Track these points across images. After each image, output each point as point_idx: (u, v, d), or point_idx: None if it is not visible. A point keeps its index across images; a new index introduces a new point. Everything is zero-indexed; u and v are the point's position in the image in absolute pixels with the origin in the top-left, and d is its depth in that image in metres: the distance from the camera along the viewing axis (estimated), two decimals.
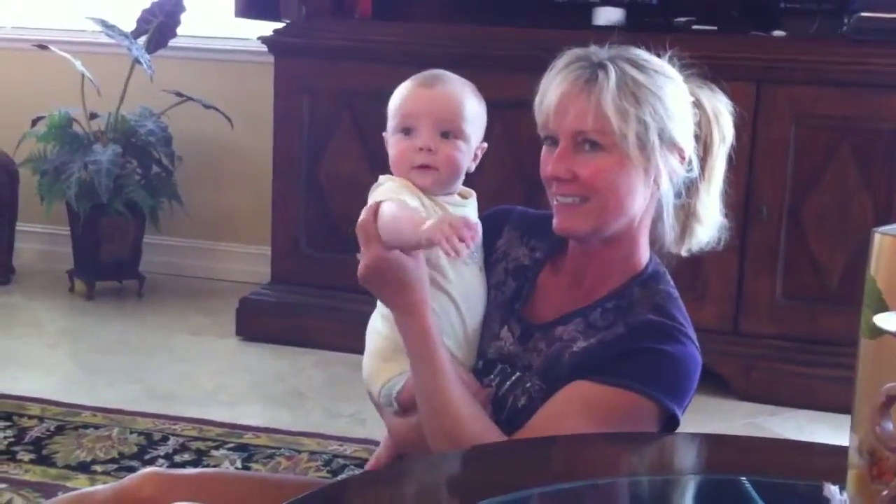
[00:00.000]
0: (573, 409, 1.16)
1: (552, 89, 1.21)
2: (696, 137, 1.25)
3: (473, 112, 1.26)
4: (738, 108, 1.31)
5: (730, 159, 1.30)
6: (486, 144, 1.30)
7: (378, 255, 1.17)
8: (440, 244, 1.08)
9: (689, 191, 1.26)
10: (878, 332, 0.72)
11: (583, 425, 1.13)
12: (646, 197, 1.22)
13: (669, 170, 1.22)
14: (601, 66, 1.19)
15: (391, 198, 1.20)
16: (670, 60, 1.25)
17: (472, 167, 1.29)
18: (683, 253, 1.29)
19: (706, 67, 1.29)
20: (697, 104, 1.25)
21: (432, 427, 1.19)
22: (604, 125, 1.18)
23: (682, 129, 1.22)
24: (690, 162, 1.24)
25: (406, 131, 1.26)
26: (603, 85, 1.18)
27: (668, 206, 1.25)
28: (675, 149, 1.22)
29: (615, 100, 1.17)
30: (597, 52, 1.23)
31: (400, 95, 1.28)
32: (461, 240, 1.07)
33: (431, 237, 1.09)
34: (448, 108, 1.25)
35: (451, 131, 1.25)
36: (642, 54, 1.23)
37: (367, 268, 1.19)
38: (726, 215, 1.30)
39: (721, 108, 1.28)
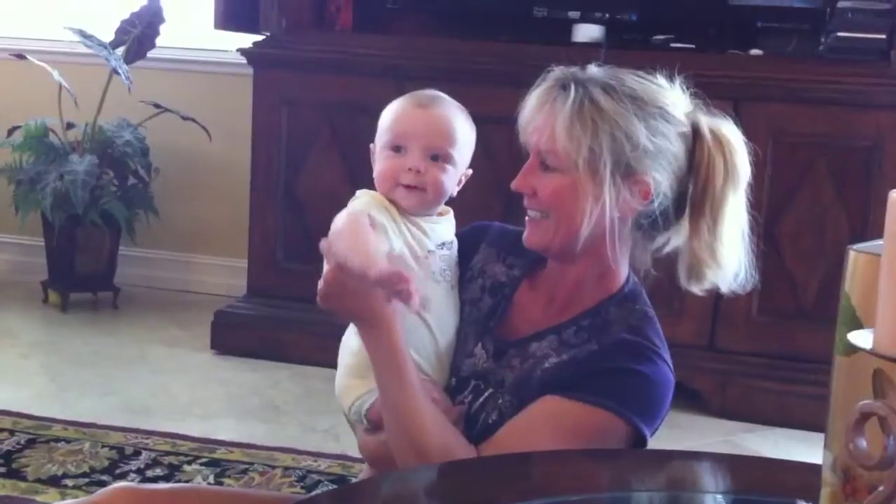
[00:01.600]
0: (542, 424, 1.16)
1: (526, 104, 1.22)
2: (695, 171, 1.19)
3: (464, 138, 1.27)
4: (753, 146, 1.23)
5: (748, 199, 1.22)
6: (471, 171, 1.30)
7: (337, 267, 1.14)
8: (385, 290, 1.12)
9: (685, 227, 1.21)
10: (853, 350, 0.72)
11: (550, 441, 1.13)
12: (593, 222, 1.18)
13: (620, 201, 1.17)
14: (565, 87, 1.18)
15: (359, 211, 1.20)
16: (681, 88, 1.21)
17: (455, 192, 1.28)
18: (697, 291, 1.23)
19: (707, 98, 1.23)
20: (697, 136, 1.19)
21: (399, 440, 1.18)
22: (554, 147, 1.17)
23: (650, 162, 1.17)
24: (657, 197, 1.18)
25: (396, 149, 1.25)
26: (559, 108, 1.17)
27: (616, 235, 1.19)
28: (634, 181, 1.17)
29: (566, 124, 1.16)
30: (576, 72, 1.20)
31: (394, 112, 1.28)
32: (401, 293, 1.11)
33: (379, 283, 1.11)
34: (440, 132, 1.25)
35: (440, 155, 1.25)
36: (626, 78, 1.19)
37: (325, 281, 1.16)
38: (752, 259, 1.22)
39: (731, 143, 1.19)
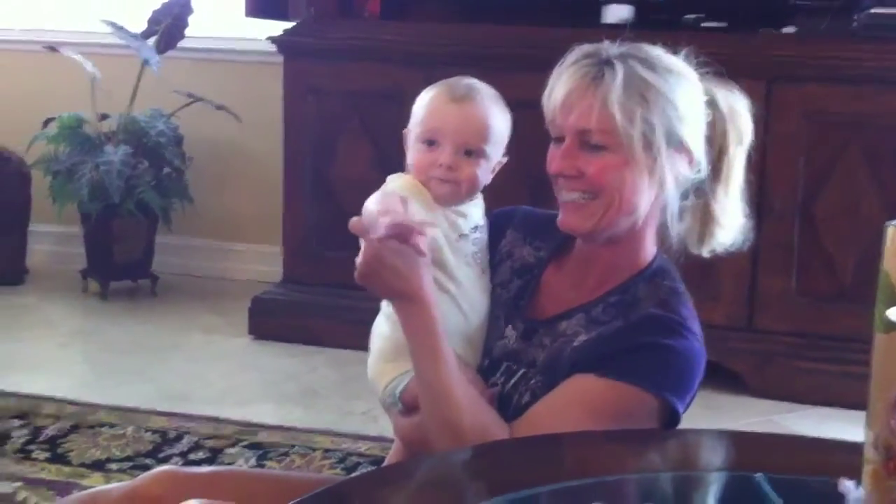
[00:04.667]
0: (572, 402, 1.16)
1: (559, 85, 1.20)
2: (710, 138, 1.23)
3: (499, 131, 1.26)
4: (757, 107, 1.28)
5: (748, 159, 1.27)
6: (506, 159, 1.29)
7: (373, 244, 1.15)
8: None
9: (703, 192, 1.24)
10: (892, 327, 0.72)
11: (582, 419, 1.13)
12: (651, 197, 1.21)
13: (675, 172, 1.20)
14: (609, 63, 1.18)
15: (391, 191, 1.21)
16: (686, 58, 1.23)
17: (489, 180, 1.28)
18: (705, 254, 1.27)
19: (721, 66, 1.26)
20: (712, 104, 1.23)
21: (434, 417, 1.18)
22: (608, 125, 1.17)
23: (692, 131, 1.21)
24: (699, 164, 1.22)
25: (429, 143, 1.25)
26: (609, 84, 1.16)
27: (674, 207, 1.23)
28: (683, 151, 1.21)
29: (620, 99, 1.16)
30: (607, 48, 1.21)
31: (427, 104, 1.26)
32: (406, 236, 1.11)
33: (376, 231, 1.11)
34: (474, 129, 1.24)
35: (474, 151, 1.24)
36: (654, 52, 1.21)
37: (363, 258, 1.16)
38: (748, 216, 1.28)
39: (738, 108, 1.25)
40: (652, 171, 1.19)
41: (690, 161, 1.22)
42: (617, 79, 1.16)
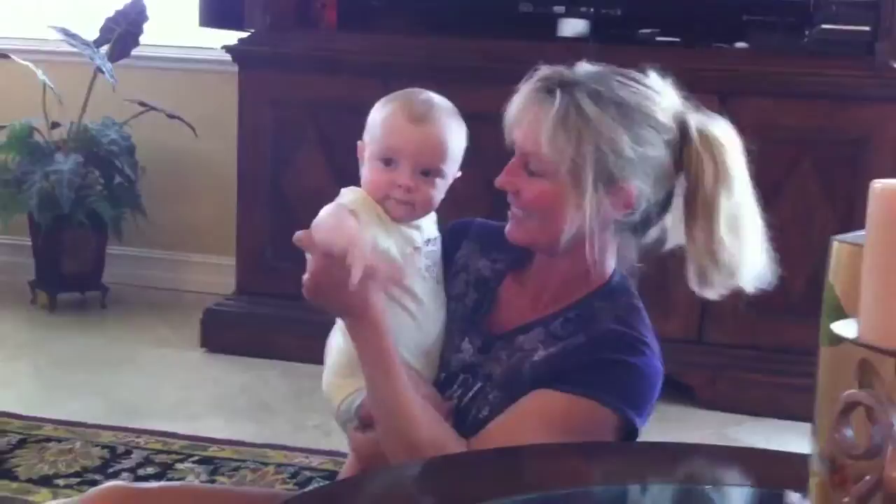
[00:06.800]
0: (531, 417, 1.16)
1: (513, 103, 1.21)
2: (676, 174, 1.19)
3: (457, 149, 1.26)
4: (746, 140, 1.21)
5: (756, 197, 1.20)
6: (459, 173, 1.29)
7: (322, 259, 1.15)
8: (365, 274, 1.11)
9: (688, 231, 1.19)
10: (837, 340, 0.73)
11: (540, 434, 1.13)
12: (584, 227, 1.17)
13: (602, 211, 1.17)
14: (551, 91, 1.17)
15: (342, 204, 1.21)
16: (670, 86, 1.20)
17: (443, 195, 1.28)
18: (713, 297, 1.22)
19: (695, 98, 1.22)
20: (684, 138, 1.18)
21: (389, 435, 1.18)
22: (538, 152, 1.17)
23: (634, 171, 1.16)
24: (640, 206, 1.18)
25: (386, 161, 1.24)
26: (544, 114, 1.16)
27: (594, 239, 1.18)
28: (619, 190, 1.16)
29: (550, 132, 1.15)
30: (564, 73, 1.19)
31: (385, 122, 1.24)
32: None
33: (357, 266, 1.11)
34: (433, 150, 1.23)
35: (432, 170, 1.24)
36: (614, 83, 1.17)
37: (311, 274, 1.16)
38: (772, 255, 1.22)
39: (719, 141, 1.19)
40: (578, 205, 1.16)
41: (628, 202, 1.18)
42: (552, 111, 1.15)
